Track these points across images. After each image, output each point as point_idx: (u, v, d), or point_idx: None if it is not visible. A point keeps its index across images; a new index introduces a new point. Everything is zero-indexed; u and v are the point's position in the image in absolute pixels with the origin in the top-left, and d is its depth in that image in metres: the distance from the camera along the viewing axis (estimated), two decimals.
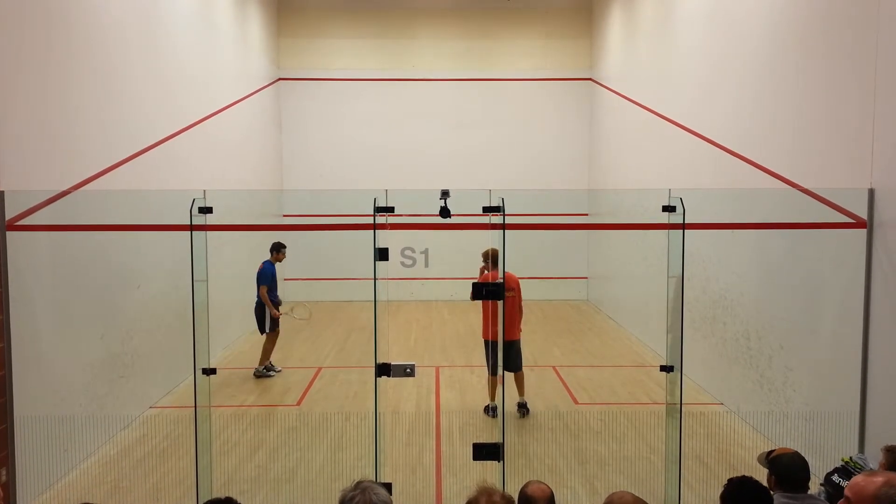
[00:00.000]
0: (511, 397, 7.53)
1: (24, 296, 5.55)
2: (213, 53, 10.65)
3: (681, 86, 9.55)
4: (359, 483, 2.73)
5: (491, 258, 7.49)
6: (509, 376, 7.39)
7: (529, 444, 6.71)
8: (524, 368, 7.76)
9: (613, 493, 2.92)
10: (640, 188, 11.08)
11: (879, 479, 2.71)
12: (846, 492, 2.83)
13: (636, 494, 2.88)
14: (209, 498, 2.90)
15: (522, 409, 7.65)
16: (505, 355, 7.02)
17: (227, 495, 2.88)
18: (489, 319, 7.46)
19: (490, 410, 7.63)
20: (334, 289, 14.93)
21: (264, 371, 9.33)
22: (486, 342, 7.73)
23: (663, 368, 5.30)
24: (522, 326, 7.82)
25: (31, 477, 5.53)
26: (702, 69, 8.84)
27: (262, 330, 9.44)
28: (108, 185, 6.92)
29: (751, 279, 7.38)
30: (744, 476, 3.19)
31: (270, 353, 9.42)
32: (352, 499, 2.66)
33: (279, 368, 9.51)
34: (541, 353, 10.51)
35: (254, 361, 10.02)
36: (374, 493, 2.68)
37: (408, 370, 5.26)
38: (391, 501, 2.75)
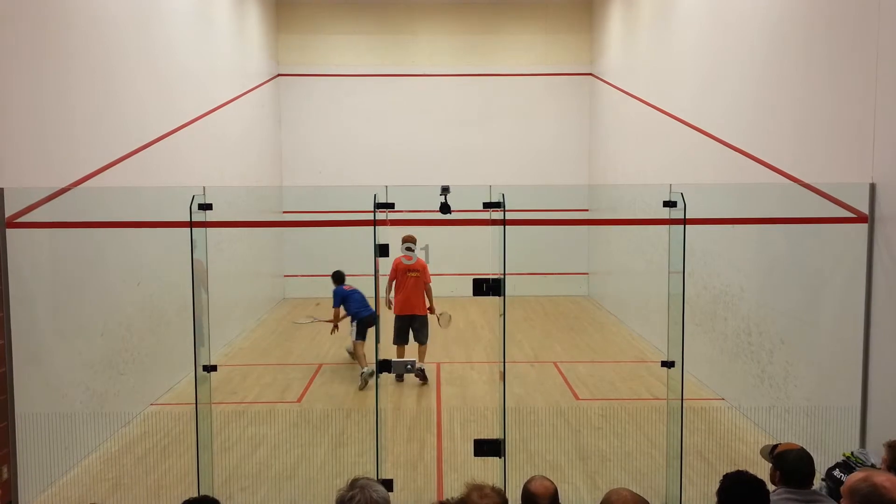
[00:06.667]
0: (511, 394, 7.50)
1: (24, 293, 5.54)
2: (212, 50, 10.62)
3: (681, 80, 9.52)
4: (355, 481, 2.66)
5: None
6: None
7: (530, 440, 6.70)
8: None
9: (612, 491, 2.91)
10: (640, 183, 11.06)
11: (860, 475, 2.85)
12: (842, 489, 2.87)
13: (636, 491, 2.88)
14: (209, 496, 2.88)
15: (420, 373, 8.45)
16: (414, 328, 8.57)
17: (215, 495, 2.87)
18: (398, 297, 8.59)
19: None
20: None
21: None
22: (396, 316, 8.66)
23: (664, 364, 5.30)
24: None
25: (32, 474, 5.53)
26: (702, 64, 8.81)
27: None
28: (108, 182, 6.91)
29: (752, 274, 7.37)
30: (738, 470, 3.18)
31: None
32: (351, 498, 2.59)
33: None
34: (541, 348, 10.51)
35: (254, 358, 10.05)
36: (374, 491, 2.63)
37: (408, 366, 5.27)
38: (389, 498, 2.72)
